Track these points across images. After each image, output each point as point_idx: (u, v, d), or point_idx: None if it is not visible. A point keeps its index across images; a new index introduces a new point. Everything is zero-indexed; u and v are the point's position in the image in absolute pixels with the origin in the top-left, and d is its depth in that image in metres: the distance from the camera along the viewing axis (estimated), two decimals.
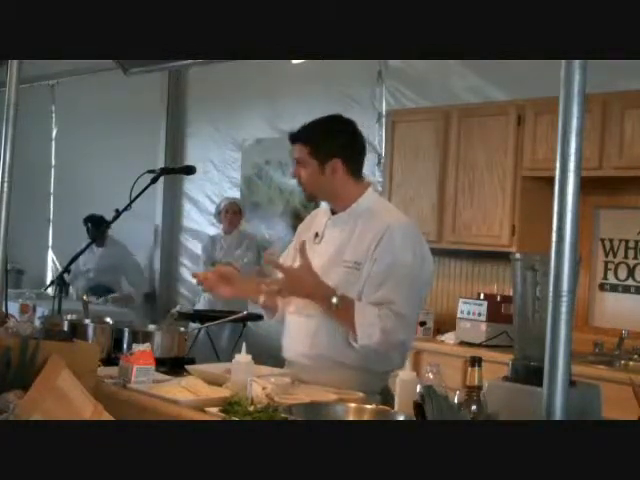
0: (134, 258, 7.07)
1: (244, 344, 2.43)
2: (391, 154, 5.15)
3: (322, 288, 2.56)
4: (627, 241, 4.50)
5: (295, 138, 2.74)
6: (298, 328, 2.71)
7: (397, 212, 2.77)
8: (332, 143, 2.71)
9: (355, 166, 2.74)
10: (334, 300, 2.53)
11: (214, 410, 2.14)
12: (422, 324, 4.73)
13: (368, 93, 5.71)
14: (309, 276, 2.57)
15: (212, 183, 7.04)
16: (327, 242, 2.70)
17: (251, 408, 2.12)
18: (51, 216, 8.62)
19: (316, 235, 2.75)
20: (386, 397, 2.53)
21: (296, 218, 6.05)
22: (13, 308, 3.17)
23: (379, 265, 2.56)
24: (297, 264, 2.62)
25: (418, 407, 1.82)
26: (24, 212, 7.53)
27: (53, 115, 8.51)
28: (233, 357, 2.42)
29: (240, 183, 6.81)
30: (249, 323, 5.44)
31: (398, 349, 2.61)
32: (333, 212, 2.75)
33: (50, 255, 8.55)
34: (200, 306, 6.11)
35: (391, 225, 2.60)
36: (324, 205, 2.90)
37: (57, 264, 8.33)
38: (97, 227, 6.52)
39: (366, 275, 2.57)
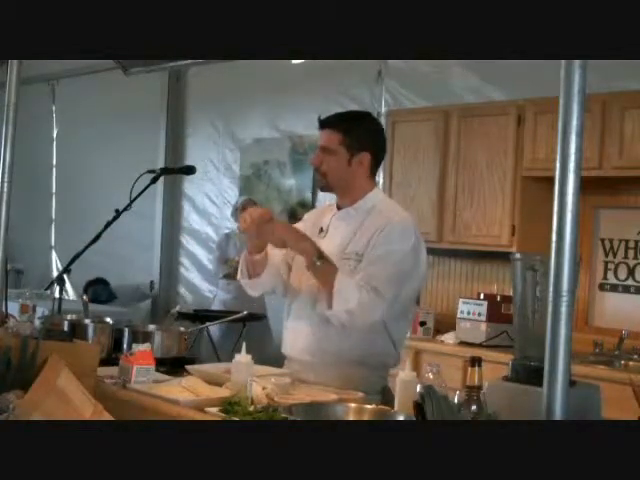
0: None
1: (244, 344, 2.43)
2: (391, 154, 5.15)
3: (310, 243, 2.58)
4: (627, 241, 4.50)
5: (327, 124, 2.71)
6: (301, 325, 2.71)
7: (402, 211, 2.78)
8: (365, 136, 2.72)
9: (377, 164, 2.78)
10: (316, 259, 2.54)
11: (214, 410, 2.14)
12: (422, 324, 4.73)
13: (368, 93, 5.72)
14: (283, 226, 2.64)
15: (212, 183, 7.04)
16: (332, 236, 2.71)
17: (251, 408, 2.12)
18: (53, 216, 8.62)
19: (321, 230, 2.76)
20: (386, 397, 2.53)
21: (294, 218, 6.05)
22: (13, 308, 3.17)
23: (373, 251, 2.59)
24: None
25: (418, 407, 1.82)
26: (27, 212, 7.57)
27: (54, 115, 8.51)
28: (233, 357, 2.42)
29: (239, 183, 6.82)
30: (249, 323, 5.44)
31: (377, 330, 2.62)
32: (338, 207, 2.76)
33: (54, 255, 8.55)
34: (214, 307, 6.10)
35: (393, 220, 2.63)
36: (329, 202, 2.90)
37: (59, 264, 8.34)
38: (100, 287, 6.79)
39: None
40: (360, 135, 2.71)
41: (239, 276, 2.90)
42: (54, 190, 8.61)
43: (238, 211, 6.13)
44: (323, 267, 2.54)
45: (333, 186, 2.75)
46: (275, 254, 2.85)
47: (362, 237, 2.64)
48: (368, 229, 2.64)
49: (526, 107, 4.53)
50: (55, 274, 8.42)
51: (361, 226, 2.67)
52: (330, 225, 2.76)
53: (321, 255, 2.55)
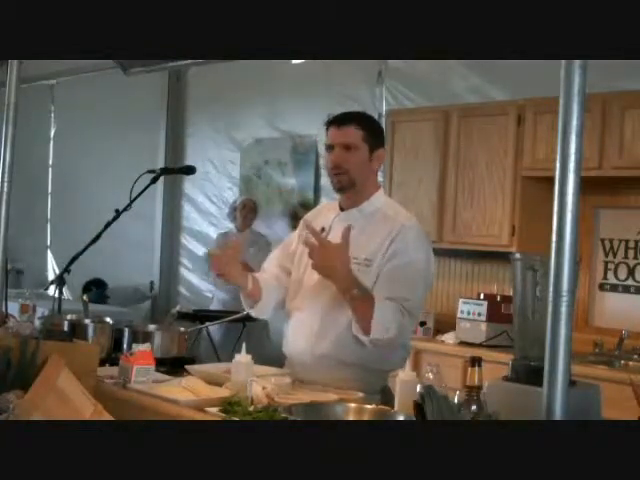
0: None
1: (244, 344, 2.43)
2: (391, 154, 5.15)
3: (348, 275, 2.52)
4: (627, 241, 4.50)
5: (348, 120, 2.67)
6: (302, 325, 2.71)
7: (407, 213, 2.77)
8: (380, 132, 2.76)
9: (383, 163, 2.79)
10: (356, 290, 2.50)
11: (214, 410, 2.14)
12: (422, 324, 4.73)
13: (368, 93, 5.72)
14: (343, 255, 2.51)
15: (212, 183, 7.04)
16: (335, 238, 2.69)
17: (251, 408, 2.12)
18: (49, 216, 8.61)
19: (322, 230, 2.74)
20: (386, 397, 2.53)
21: (295, 218, 6.05)
22: (13, 308, 3.17)
23: (394, 261, 2.57)
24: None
25: (418, 407, 1.82)
26: (23, 212, 7.57)
27: (52, 115, 8.51)
28: (233, 357, 2.42)
29: (239, 183, 6.82)
30: (249, 323, 5.44)
31: (402, 348, 2.63)
32: (341, 208, 2.75)
33: (49, 255, 8.55)
34: (213, 306, 6.09)
35: (405, 225, 2.63)
36: (329, 200, 2.89)
37: (54, 264, 8.34)
38: (99, 288, 6.80)
39: (377, 271, 2.58)
40: (377, 131, 2.73)
41: (246, 309, 2.91)
42: (50, 190, 8.60)
43: (237, 210, 6.13)
44: (361, 299, 2.51)
45: (356, 184, 2.67)
46: (268, 269, 2.88)
47: (370, 242, 2.62)
48: (376, 233, 2.63)
49: (526, 107, 4.53)
50: (50, 274, 8.43)
51: (366, 230, 2.66)
52: (333, 226, 2.73)
53: (359, 282, 2.53)
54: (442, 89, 5.26)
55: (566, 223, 1.53)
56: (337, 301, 2.59)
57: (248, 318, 4.60)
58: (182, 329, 3.10)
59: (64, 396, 1.86)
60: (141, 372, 2.39)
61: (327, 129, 2.73)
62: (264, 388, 2.22)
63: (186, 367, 2.64)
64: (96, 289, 7.15)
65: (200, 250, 7.10)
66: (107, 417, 1.91)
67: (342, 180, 2.67)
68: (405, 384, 2.20)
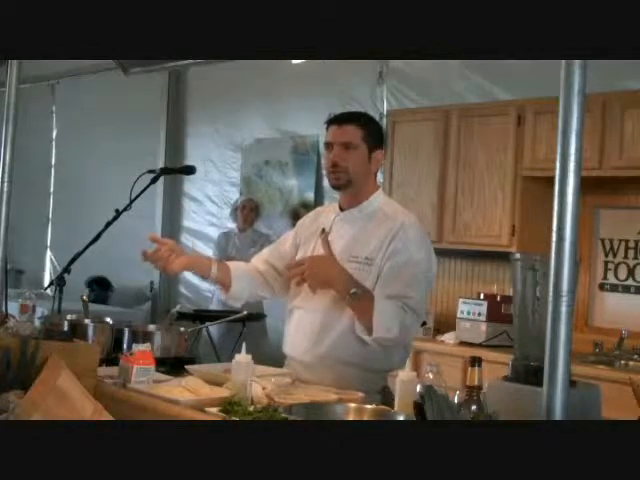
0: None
1: (244, 344, 2.43)
2: (391, 154, 5.15)
3: (343, 277, 2.56)
4: (627, 241, 4.50)
5: (348, 119, 2.69)
6: (303, 324, 2.71)
7: (407, 212, 2.77)
8: (380, 132, 2.76)
9: (382, 164, 2.80)
10: (354, 290, 2.52)
11: (214, 410, 2.14)
12: (422, 324, 4.73)
13: (369, 93, 5.72)
14: (331, 264, 2.58)
15: (212, 183, 7.04)
16: (335, 237, 2.70)
17: (251, 408, 2.12)
18: (50, 216, 8.62)
19: (323, 231, 2.75)
20: (386, 397, 2.53)
21: (295, 218, 6.04)
22: (13, 308, 3.17)
23: (395, 260, 2.57)
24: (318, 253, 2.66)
25: (418, 407, 1.82)
26: (23, 212, 7.58)
27: (53, 115, 8.51)
28: (233, 357, 2.42)
29: (240, 183, 6.82)
30: (249, 323, 5.44)
31: (403, 348, 2.63)
32: (341, 209, 2.76)
33: (48, 255, 8.55)
34: (213, 306, 6.08)
35: (405, 223, 2.63)
36: (331, 200, 2.90)
37: (55, 264, 8.33)
38: (102, 288, 6.78)
39: (378, 270, 2.59)
40: (376, 131, 2.73)
41: (221, 292, 2.96)
42: (52, 190, 8.60)
43: (238, 210, 6.13)
44: (360, 294, 2.52)
45: (354, 183, 2.68)
46: (252, 262, 2.90)
47: (370, 240, 2.63)
48: (376, 232, 2.63)
49: (526, 107, 4.53)
50: (49, 274, 8.43)
51: (367, 228, 2.66)
52: (333, 226, 2.74)
53: (356, 282, 2.54)
54: (442, 89, 5.27)
55: (566, 223, 1.53)
56: (338, 301, 2.59)
57: (248, 318, 4.61)
58: (182, 329, 3.09)
59: (64, 396, 1.86)
60: (141, 372, 2.39)
61: (327, 128, 2.73)
62: (264, 388, 2.22)
63: (186, 367, 2.64)
64: (99, 288, 7.15)
65: (201, 250, 7.10)
66: (107, 417, 1.91)
67: (340, 178, 2.67)
68: (405, 384, 2.20)
